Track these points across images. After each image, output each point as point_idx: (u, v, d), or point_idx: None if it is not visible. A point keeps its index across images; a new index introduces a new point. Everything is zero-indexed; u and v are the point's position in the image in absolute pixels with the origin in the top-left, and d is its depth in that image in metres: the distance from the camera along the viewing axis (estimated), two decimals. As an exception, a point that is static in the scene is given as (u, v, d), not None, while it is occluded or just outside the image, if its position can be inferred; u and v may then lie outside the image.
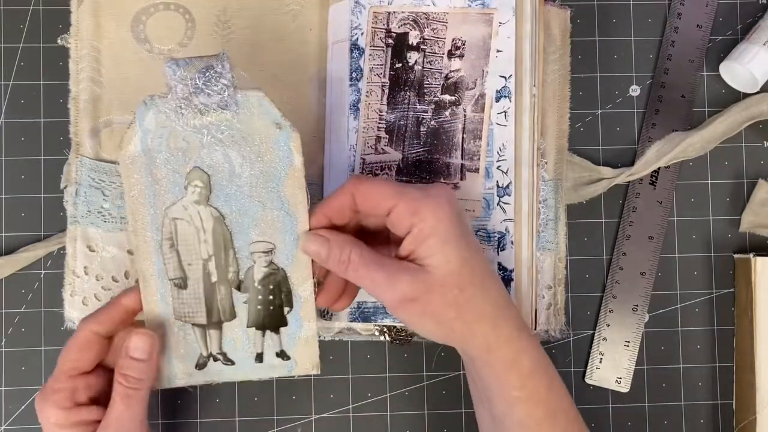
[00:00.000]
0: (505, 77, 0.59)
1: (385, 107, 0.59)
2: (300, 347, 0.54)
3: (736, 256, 0.63)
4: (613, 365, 0.63)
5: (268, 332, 0.54)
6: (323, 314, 0.59)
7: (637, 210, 0.63)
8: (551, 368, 0.52)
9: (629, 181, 0.63)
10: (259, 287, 0.53)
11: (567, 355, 0.63)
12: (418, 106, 0.59)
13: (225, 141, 0.51)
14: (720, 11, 0.64)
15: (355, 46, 0.59)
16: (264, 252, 0.53)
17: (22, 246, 0.61)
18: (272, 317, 0.54)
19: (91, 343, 0.52)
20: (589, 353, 0.63)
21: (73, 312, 0.60)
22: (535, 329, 0.60)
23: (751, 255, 0.61)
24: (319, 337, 0.61)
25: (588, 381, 0.63)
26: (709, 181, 0.64)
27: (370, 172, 0.59)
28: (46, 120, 0.62)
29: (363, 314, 0.59)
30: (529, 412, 0.51)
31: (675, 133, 0.63)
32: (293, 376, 0.55)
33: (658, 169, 0.63)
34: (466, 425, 0.62)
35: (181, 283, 0.53)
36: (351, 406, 0.62)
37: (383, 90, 0.59)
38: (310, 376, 0.56)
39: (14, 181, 0.62)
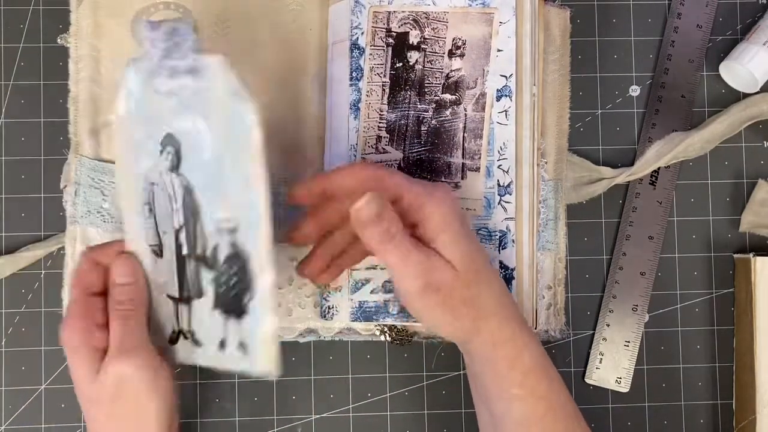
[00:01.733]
0: (505, 76, 0.59)
1: (385, 107, 0.59)
2: (258, 341, 0.48)
3: (736, 256, 0.63)
4: (613, 365, 0.63)
5: (231, 318, 0.50)
6: (324, 314, 0.59)
7: (637, 210, 0.63)
8: (551, 366, 0.52)
9: (629, 181, 0.63)
10: (224, 267, 0.49)
11: (567, 355, 0.63)
12: (419, 106, 0.59)
13: (194, 108, 0.48)
14: (720, 11, 0.65)
15: (355, 46, 0.59)
16: (228, 230, 0.49)
17: (22, 246, 0.61)
18: (234, 302, 0.49)
19: (94, 267, 0.52)
20: (589, 353, 0.63)
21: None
22: (536, 329, 0.60)
23: (751, 255, 0.61)
24: (319, 337, 0.61)
25: (588, 381, 0.63)
26: (709, 181, 0.64)
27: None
28: (46, 120, 0.62)
29: (364, 314, 0.59)
30: (529, 409, 0.51)
31: (675, 133, 0.63)
32: (252, 377, 0.49)
33: (658, 169, 0.63)
34: (466, 425, 0.62)
35: (158, 251, 0.52)
36: (351, 406, 0.62)
37: (384, 89, 0.59)
38: (270, 378, 0.52)
39: (14, 181, 0.62)
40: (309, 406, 0.62)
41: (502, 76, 0.59)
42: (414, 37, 0.59)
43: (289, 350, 0.62)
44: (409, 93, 0.59)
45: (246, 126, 0.46)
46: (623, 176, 0.62)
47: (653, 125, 0.64)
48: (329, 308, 0.59)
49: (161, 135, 0.50)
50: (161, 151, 0.50)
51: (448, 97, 0.59)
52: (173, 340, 0.52)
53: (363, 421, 0.62)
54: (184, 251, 0.51)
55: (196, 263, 0.51)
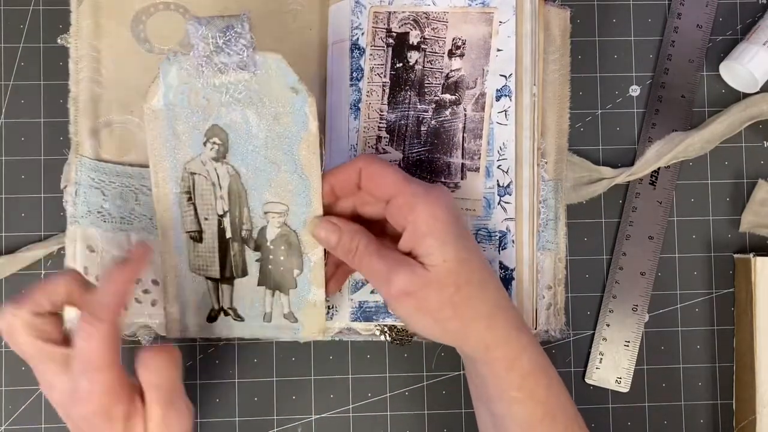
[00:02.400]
0: (505, 76, 0.59)
1: (385, 107, 0.59)
2: (307, 310, 0.55)
3: (736, 256, 0.63)
4: (613, 365, 0.63)
5: (277, 293, 0.55)
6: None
7: (637, 210, 0.63)
8: (550, 368, 0.52)
9: (629, 181, 0.63)
10: (271, 247, 0.54)
11: (567, 355, 0.63)
12: (419, 106, 0.59)
13: (243, 101, 0.51)
14: (720, 11, 0.65)
15: (355, 46, 0.59)
16: (277, 213, 0.53)
17: (22, 246, 0.61)
18: (282, 278, 0.55)
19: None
20: (589, 353, 0.63)
21: (72, 312, 0.59)
22: (536, 329, 0.60)
23: (751, 255, 0.61)
24: (319, 337, 0.61)
25: (588, 381, 0.63)
26: (709, 181, 0.64)
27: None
28: (46, 120, 0.62)
29: (364, 314, 0.59)
30: (528, 411, 0.51)
31: (675, 133, 0.63)
32: (299, 340, 0.56)
33: (658, 169, 0.63)
34: (466, 425, 0.62)
35: (197, 237, 0.55)
36: (351, 406, 0.62)
37: (384, 90, 0.59)
38: (315, 340, 0.57)
39: (14, 181, 0.62)
40: (309, 406, 0.62)
41: (501, 75, 0.59)
42: (414, 37, 0.59)
43: (289, 350, 0.62)
44: (409, 93, 0.59)
45: (303, 117, 0.51)
46: (623, 176, 0.62)
47: (653, 125, 0.64)
48: (329, 308, 0.60)
49: (206, 126, 0.52)
50: (205, 142, 0.52)
51: (447, 97, 0.59)
52: (213, 318, 0.56)
53: (363, 421, 0.62)
54: (228, 235, 0.54)
55: (240, 245, 0.55)
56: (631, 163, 0.63)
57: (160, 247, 0.55)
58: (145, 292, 0.60)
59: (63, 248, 0.60)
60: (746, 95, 0.64)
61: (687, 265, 0.64)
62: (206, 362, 0.62)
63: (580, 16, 0.64)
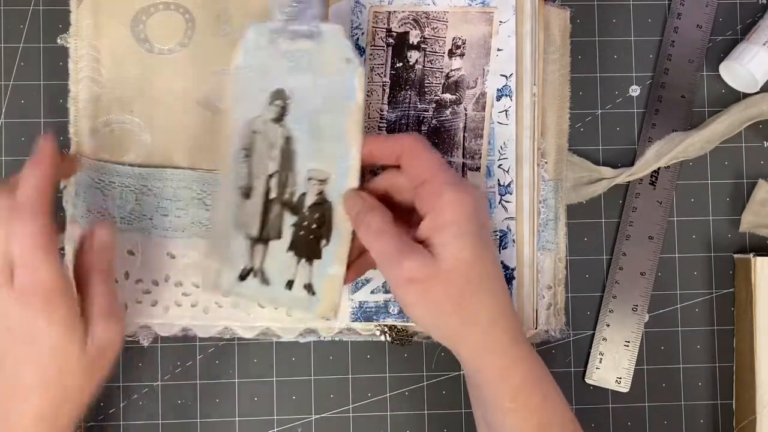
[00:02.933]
0: (506, 76, 0.59)
1: (386, 106, 0.59)
2: (326, 284, 0.55)
3: (736, 256, 0.63)
4: (613, 365, 0.63)
5: (303, 261, 0.56)
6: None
7: (637, 210, 0.63)
8: (547, 381, 0.52)
9: (629, 181, 0.63)
10: (307, 213, 0.55)
11: (567, 355, 0.63)
12: (419, 105, 0.59)
13: (305, 69, 0.54)
14: (720, 11, 0.65)
15: (355, 46, 0.59)
16: (319, 180, 0.55)
17: (21, 246, 0.61)
18: (310, 246, 0.56)
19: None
20: (589, 353, 0.63)
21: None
22: (536, 329, 0.60)
23: (751, 255, 0.61)
24: (319, 337, 0.61)
25: (588, 381, 0.63)
26: (709, 181, 0.64)
27: (371, 171, 0.59)
28: (46, 120, 0.62)
29: (365, 314, 0.59)
30: (521, 423, 0.50)
31: (675, 133, 0.63)
32: (311, 315, 0.57)
33: (658, 169, 0.63)
34: (466, 425, 0.62)
35: (246, 193, 0.56)
36: (351, 406, 0.62)
37: (384, 89, 0.59)
38: (326, 319, 0.57)
39: (14, 181, 0.62)
40: (309, 406, 0.62)
41: (502, 75, 0.59)
42: (414, 37, 0.59)
43: (289, 350, 0.62)
44: (409, 93, 0.59)
45: (353, 88, 0.53)
46: (623, 176, 0.62)
47: (653, 125, 0.64)
48: (330, 308, 0.60)
49: (273, 89, 0.55)
50: (270, 103, 0.55)
51: (448, 96, 0.59)
52: (243, 277, 0.56)
53: (363, 421, 0.62)
54: (272, 195, 0.56)
55: (281, 207, 0.56)
56: (631, 163, 0.63)
57: (213, 201, 0.58)
58: (146, 292, 0.60)
59: (63, 248, 0.60)
60: (746, 95, 0.64)
61: (687, 265, 0.64)
62: (206, 362, 0.62)
63: (580, 16, 0.64)
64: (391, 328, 0.60)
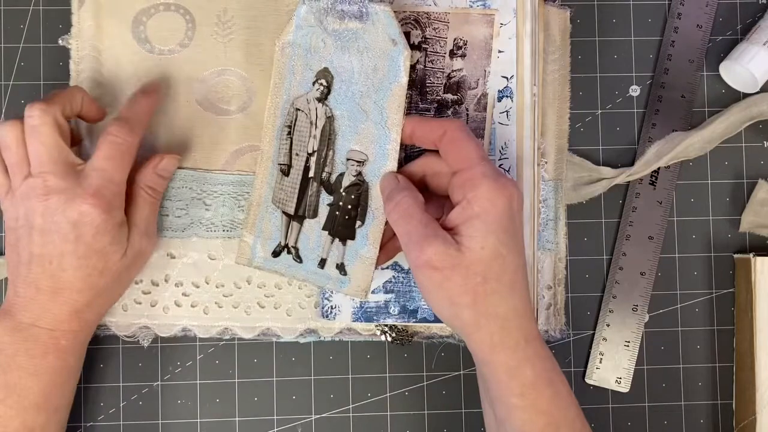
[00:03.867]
0: (506, 77, 0.59)
1: (386, 107, 0.59)
2: (358, 265, 0.56)
3: (736, 256, 0.63)
4: (613, 365, 0.63)
5: (336, 240, 0.57)
6: (325, 314, 0.60)
7: (637, 210, 0.63)
8: (558, 382, 0.52)
9: (629, 181, 0.63)
10: (344, 194, 0.56)
11: (567, 355, 0.63)
12: (421, 105, 0.59)
13: (351, 49, 0.55)
14: (720, 11, 0.65)
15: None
16: (358, 161, 0.55)
17: (21, 246, 0.61)
18: (344, 226, 0.56)
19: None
20: (589, 353, 0.63)
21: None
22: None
23: (751, 255, 0.61)
24: (319, 337, 0.61)
25: (588, 381, 0.63)
26: (709, 181, 0.64)
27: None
28: (45, 120, 0.62)
29: (365, 314, 0.59)
30: (528, 420, 0.50)
31: (675, 133, 0.63)
32: (343, 293, 0.57)
33: (658, 169, 0.63)
34: (466, 425, 0.62)
35: (286, 170, 0.57)
36: (351, 406, 0.62)
37: (385, 89, 0.59)
38: (359, 299, 0.58)
39: (14, 181, 0.62)
40: (309, 406, 0.62)
41: (503, 77, 0.59)
42: (415, 37, 0.59)
43: (289, 350, 0.62)
44: (410, 93, 0.59)
45: (397, 70, 0.54)
46: (623, 176, 0.62)
47: (653, 125, 0.64)
48: (331, 308, 0.60)
49: (319, 67, 0.56)
50: (314, 82, 0.56)
51: (449, 97, 0.59)
52: (277, 253, 0.58)
53: (363, 421, 0.62)
54: (311, 174, 0.57)
55: (318, 186, 0.57)
56: (631, 163, 0.63)
57: (256, 175, 0.58)
58: (146, 292, 0.60)
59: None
60: (746, 95, 0.64)
61: (687, 265, 0.64)
62: (206, 362, 0.62)
63: (580, 16, 0.64)
64: (392, 328, 0.60)
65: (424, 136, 0.54)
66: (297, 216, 0.57)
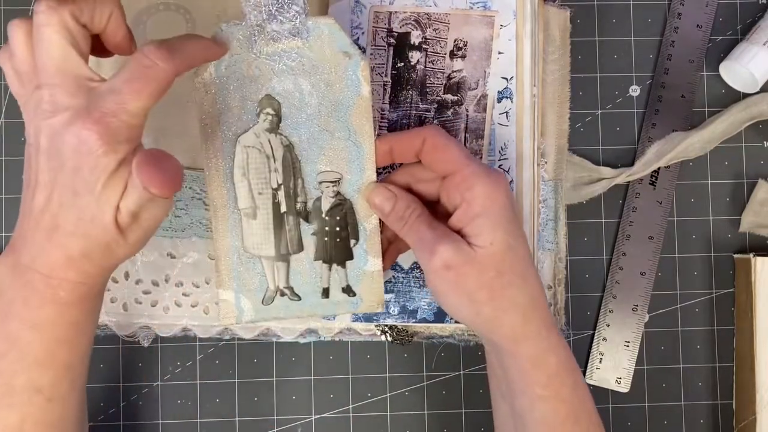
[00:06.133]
0: (506, 78, 0.59)
1: (387, 106, 0.59)
2: (365, 283, 0.55)
3: (736, 256, 0.63)
4: (613, 365, 0.63)
5: (334, 266, 0.54)
6: (326, 315, 0.60)
7: (637, 210, 0.63)
8: (577, 371, 0.52)
9: (629, 181, 0.63)
10: (327, 218, 0.54)
11: (567, 355, 0.63)
12: (421, 105, 0.59)
13: (296, 69, 0.51)
14: (720, 11, 0.65)
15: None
16: (331, 182, 0.53)
17: (21, 246, 0.61)
18: (339, 250, 0.54)
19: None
20: (589, 353, 0.63)
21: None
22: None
23: (751, 255, 0.61)
24: (319, 337, 0.61)
25: (588, 381, 0.63)
26: (709, 181, 0.64)
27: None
28: (45, 120, 0.62)
29: (365, 314, 0.59)
30: (551, 410, 0.50)
31: (675, 133, 0.63)
32: (357, 314, 0.55)
33: (658, 169, 0.63)
34: (466, 425, 0.62)
35: (251, 213, 0.53)
36: (351, 406, 0.62)
37: (385, 89, 0.59)
38: (376, 313, 0.56)
39: (14, 181, 0.62)
40: (309, 406, 0.62)
41: (503, 78, 0.59)
42: (415, 38, 0.59)
43: (289, 350, 0.62)
44: (410, 93, 0.59)
45: (357, 82, 0.51)
46: (623, 176, 0.62)
47: (653, 125, 0.64)
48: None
49: (259, 97, 0.52)
50: (259, 113, 0.52)
51: (449, 97, 0.59)
52: (269, 299, 0.54)
53: (363, 421, 0.62)
54: (283, 209, 0.53)
55: (296, 218, 0.54)
56: (631, 163, 0.63)
57: (213, 228, 0.54)
58: (146, 292, 0.60)
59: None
60: (746, 95, 0.64)
61: (687, 265, 0.64)
62: (206, 362, 0.62)
63: (580, 16, 0.64)
64: (392, 328, 0.60)
65: (404, 150, 0.53)
66: (279, 256, 0.54)
